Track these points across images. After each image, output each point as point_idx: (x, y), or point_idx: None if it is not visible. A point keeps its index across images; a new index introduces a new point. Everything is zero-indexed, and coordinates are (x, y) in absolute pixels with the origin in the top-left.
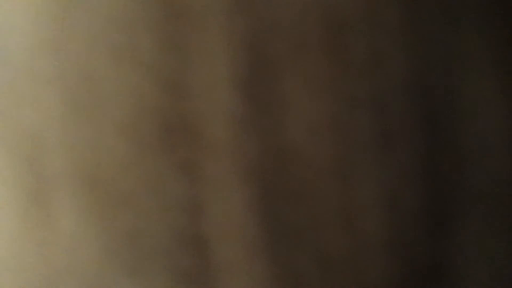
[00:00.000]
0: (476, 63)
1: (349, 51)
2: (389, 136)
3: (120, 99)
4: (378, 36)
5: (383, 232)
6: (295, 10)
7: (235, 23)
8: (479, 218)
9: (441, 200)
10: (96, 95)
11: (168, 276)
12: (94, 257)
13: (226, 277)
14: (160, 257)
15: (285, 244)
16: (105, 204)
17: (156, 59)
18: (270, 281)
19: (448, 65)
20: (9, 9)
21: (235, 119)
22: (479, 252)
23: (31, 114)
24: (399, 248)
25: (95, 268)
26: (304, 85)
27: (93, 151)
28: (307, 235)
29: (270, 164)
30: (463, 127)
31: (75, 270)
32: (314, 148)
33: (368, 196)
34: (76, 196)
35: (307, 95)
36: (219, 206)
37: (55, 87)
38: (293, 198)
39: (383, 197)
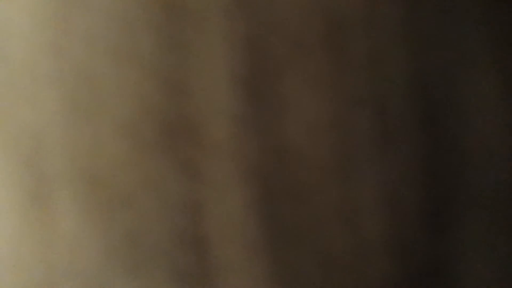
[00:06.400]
0: (476, 63)
1: (349, 50)
2: (389, 136)
3: (120, 99)
4: (378, 36)
5: (383, 232)
6: (295, 10)
7: (235, 23)
8: (479, 218)
9: (441, 200)
10: (96, 95)
11: (168, 276)
12: (94, 257)
13: (226, 277)
14: (160, 257)
15: (285, 244)
16: (105, 204)
17: (156, 59)
18: (270, 281)
19: (448, 65)
20: (9, 9)
21: (235, 119)
22: (479, 252)
23: (31, 114)
24: (399, 248)
25: (95, 268)
26: (304, 85)
27: (93, 151)
28: (307, 235)
29: (270, 164)
30: (463, 127)
31: (75, 270)
32: (314, 147)
33: (368, 196)
34: (76, 196)
35: (307, 94)
36: (219, 206)
37: (55, 87)
38: (293, 198)
39: (383, 197)
